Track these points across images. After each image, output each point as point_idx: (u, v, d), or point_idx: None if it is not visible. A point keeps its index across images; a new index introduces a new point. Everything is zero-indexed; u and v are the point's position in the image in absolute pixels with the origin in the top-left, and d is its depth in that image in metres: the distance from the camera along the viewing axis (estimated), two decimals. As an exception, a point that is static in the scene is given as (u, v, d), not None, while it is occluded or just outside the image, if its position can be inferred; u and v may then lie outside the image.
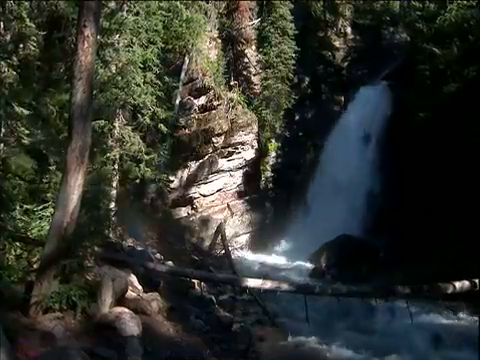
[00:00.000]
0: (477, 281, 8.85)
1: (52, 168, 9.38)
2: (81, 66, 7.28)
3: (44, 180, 9.41)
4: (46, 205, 9.06)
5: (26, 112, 9.01)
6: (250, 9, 25.80)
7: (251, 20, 25.82)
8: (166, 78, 17.53)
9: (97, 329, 7.70)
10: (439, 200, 16.11)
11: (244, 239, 22.81)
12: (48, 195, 9.17)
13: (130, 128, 14.99)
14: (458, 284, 8.66)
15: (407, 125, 17.98)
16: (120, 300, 8.71)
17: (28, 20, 9.85)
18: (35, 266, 8.28)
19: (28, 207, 9.08)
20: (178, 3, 18.38)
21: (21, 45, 10.09)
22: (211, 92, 21.63)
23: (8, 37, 9.95)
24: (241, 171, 23.17)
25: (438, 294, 10.03)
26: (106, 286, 8.23)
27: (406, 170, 18.25)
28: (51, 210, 8.73)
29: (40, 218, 9.00)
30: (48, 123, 10.16)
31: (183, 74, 20.44)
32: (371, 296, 10.30)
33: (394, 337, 10.66)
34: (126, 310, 8.25)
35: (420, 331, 10.59)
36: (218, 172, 22.39)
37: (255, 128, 23.25)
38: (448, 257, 14.10)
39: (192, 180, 21.86)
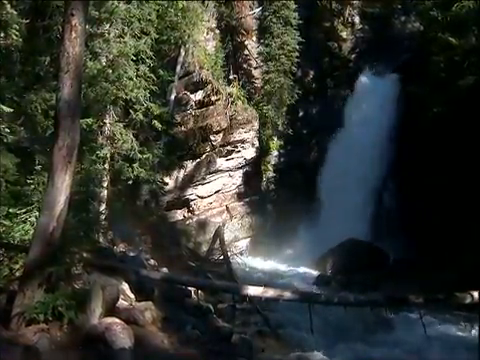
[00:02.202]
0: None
1: (37, 168, 9.35)
2: (68, 58, 7.26)
3: (28, 181, 9.37)
4: (30, 208, 9.04)
5: (8, 109, 8.95)
6: (251, -3, 25.81)
7: (252, 9, 25.86)
8: (160, 71, 17.53)
9: (85, 342, 7.61)
10: (456, 202, 16.02)
11: (244, 244, 22.79)
12: (33, 197, 9.10)
13: (122, 125, 14.99)
14: (477, 294, 8.56)
15: (420, 121, 17.91)
16: (111, 310, 8.62)
17: (9, 6, 9.77)
18: (18, 274, 8.21)
19: (11, 210, 9.03)
20: (173, -9, 18.41)
21: (2, 35, 10.00)
22: (209, 87, 21.59)
23: (-13, 26, 9.89)
24: (241, 171, 23.14)
25: (455, 304, 9.94)
26: (95, 295, 8.16)
27: (419, 170, 18.20)
28: (36, 213, 8.72)
29: (24, 222, 8.96)
30: (32, 120, 10.10)
31: (179, 67, 20.41)
32: (381, 306, 10.21)
33: (406, 350, 10.60)
34: (117, 321, 8.15)
35: (434, 344, 10.52)
36: (216, 172, 22.37)
37: (256, 125, 23.22)
38: (466, 264, 13.99)
39: (188, 181, 21.82)
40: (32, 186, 9.28)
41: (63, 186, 7.33)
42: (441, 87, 17.25)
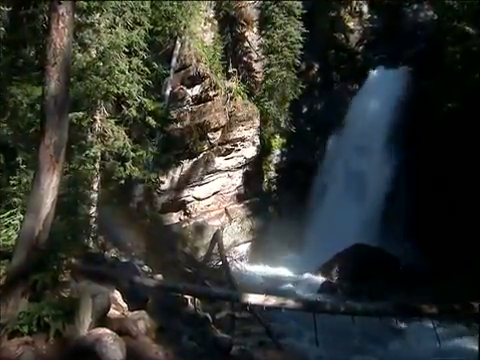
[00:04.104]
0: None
1: (21, 168, 9.29)
2: (55, 50, 7.23)
3: (11, 182, 9.32)
4: (14, 211, 9.00)
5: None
6: (251, -15, 25.76)
7: (252, -2, 25.77)
8: (155, 64, 17.50)
9: (74, 355, 7.56)
10: (470, 205, 15.97)
11: (244, 249, 22.80)
12: (16, 199, 9.05)
13: (113, 121, 14.95)
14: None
15: (432, 118, 17.84)
16: (101, 320, 8.59)
17: (-10, -7, 9.74)
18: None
19: (-8, 213, 9.00)
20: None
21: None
22: (206, 81, 21.59)
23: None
24: (241, 171, 23.15)
25: (471, 314, 9.88)
26: (85, 304, 8.12)
27: (431, 170, 18.16)
28: (20, 217, 8.68)
29: (6, 226, 8.93)
30: (16, 116, 10.05)
31: (174, 60, 20.42)
32: (391, 315, 10.19)
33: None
34: (108, 331, 8.12)
35: (449, 357, 10.45)
36: (215, 172, 22.36)
37: (257, 122, 23.22)
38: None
39: (185, 181, 21.82)
40: (15, 187, 9.24)
41: (50, 187, 7.30)
42: (456, 80, 17.19)
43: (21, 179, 9.30)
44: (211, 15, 24.05)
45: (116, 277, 11.33)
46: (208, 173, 22.16)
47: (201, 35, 22.22)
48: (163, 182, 20.84)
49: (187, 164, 21.89)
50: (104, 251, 14.58)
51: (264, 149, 24.71)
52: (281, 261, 22.15)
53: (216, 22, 24.44)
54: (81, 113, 12.29)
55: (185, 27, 19.38)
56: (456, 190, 16.88)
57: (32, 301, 7.66)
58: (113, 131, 14.69)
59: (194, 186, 22.04)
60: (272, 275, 20.28)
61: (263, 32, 24.83)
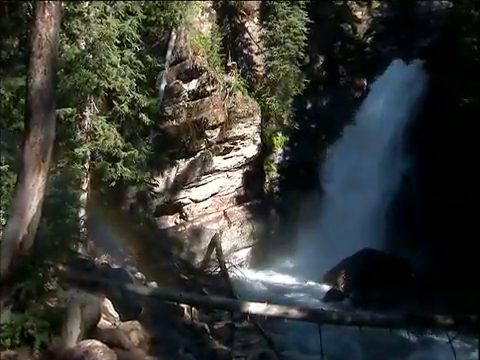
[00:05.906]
0: None
1: (4, 168, 9.25)
2: (41, 41, 7.21)
3: (-6, 183, 9.29)
4: (-4, 214, 8.94)
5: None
6: (252, -27, 25.78)
7: (253, -14, 25.79)
8: (148, 57, 17.50)
9: (61, 369, 7.53)
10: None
11: (244, 254, 22.80)
12: (-1, 202, 9.04)
13: (104, 118, 14.92)
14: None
15: (448, 114, 17.80)
16: (91, 331, 8.57)
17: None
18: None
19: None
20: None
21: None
22: (204, 75, 21.57)
23: None
24: (241, 171, 23.14)
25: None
26: (73, 314, 8.09)
27: (445, 169, 18.11)
28: (3, 220, 8.60)
29: (-11, 230, 8.87)
30: (-1, 112, 10.05)
31: (169, 53, 20.43)
32: (402, 327, 10.16)
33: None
34: (98, 343, 8.11)
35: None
36: (213, 172, 22.36)
37: (258, 119, 23.23)
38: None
39: (181, 182, 21.82)
40: (-2, 189, 9.23)
41: (35, 188, 7.28)
42: (473, 73, 17.10)
43: (4, 180, 9.26)
44: (209, 4, 24.05)
45: (107, 285, 11.31)
46: (206, 173, 22.15)
47: (198, 26, 22.22)
48: (157, 184, 20.82)
49: (183, 164, 21.88)
50: (94, 257, 14.57)
51: (265, 148, 24.72)
52: (284, 267, 22.20)
53: (214, 12, 24.47)
54: (70, 110, 12.24)
55: (181, 17, 19.34)
56: (472, 191, 16.82)
57: (16, 311, 7.62)
58: (104, 129, 14.68)
59: (191, 187, 22.03)
60: (274, 282, 20.26)
61: (264, 22, 24.86)
